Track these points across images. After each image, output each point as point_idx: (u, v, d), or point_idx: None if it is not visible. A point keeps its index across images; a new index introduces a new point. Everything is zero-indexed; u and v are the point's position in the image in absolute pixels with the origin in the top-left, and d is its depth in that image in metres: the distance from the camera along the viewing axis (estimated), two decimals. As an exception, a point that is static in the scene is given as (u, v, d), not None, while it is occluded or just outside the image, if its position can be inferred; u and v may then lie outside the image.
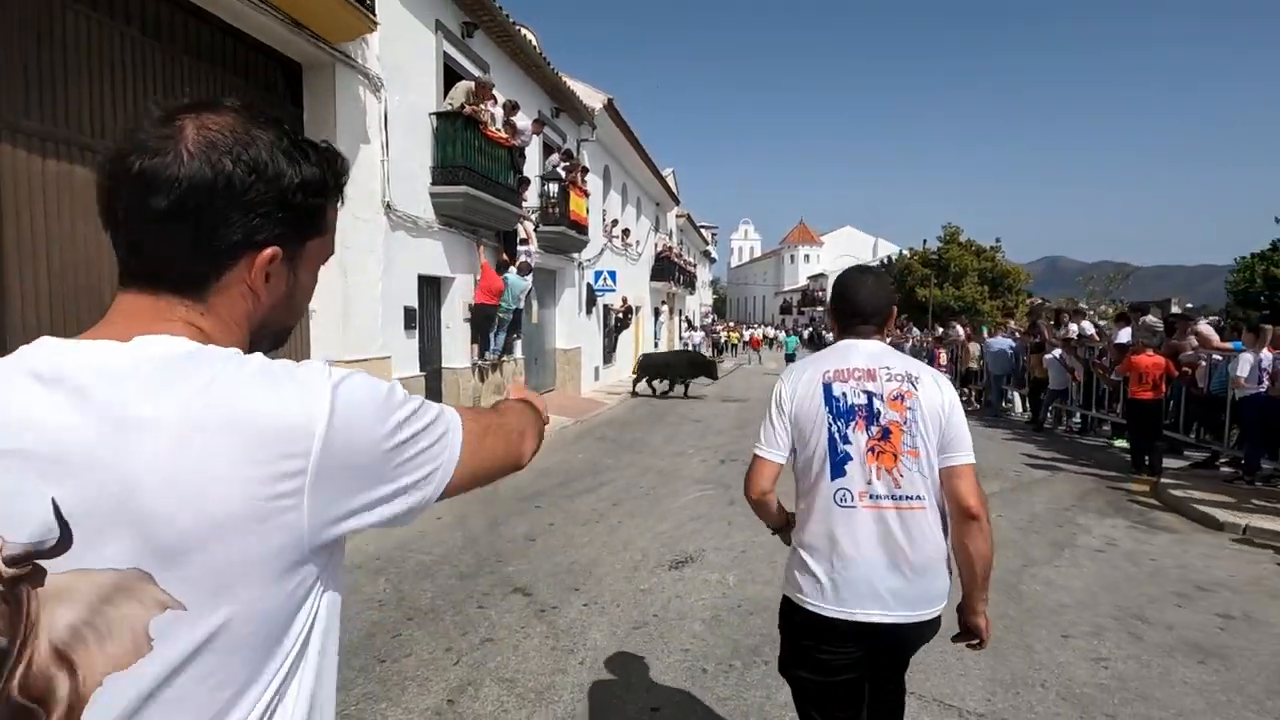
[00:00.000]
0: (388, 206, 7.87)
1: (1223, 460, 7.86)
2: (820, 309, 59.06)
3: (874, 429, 1.76)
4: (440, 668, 3.25)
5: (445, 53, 9.25)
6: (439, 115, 8.87)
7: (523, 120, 10.43)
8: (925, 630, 1.80)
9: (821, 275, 62.38)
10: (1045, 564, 4.83)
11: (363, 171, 7.41)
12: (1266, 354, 6.58)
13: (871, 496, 1.74)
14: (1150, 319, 8.89)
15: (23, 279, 4.40)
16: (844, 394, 1.79)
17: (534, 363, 13.35)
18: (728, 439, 9.89)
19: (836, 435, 1.77)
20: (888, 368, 1.80)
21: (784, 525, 1.98)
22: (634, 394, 15.76)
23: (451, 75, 9.50)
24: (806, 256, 68.69)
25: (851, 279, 1.96)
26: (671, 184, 27.62)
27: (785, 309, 67.14)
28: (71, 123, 4.69)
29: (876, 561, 1.73)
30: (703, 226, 45.93)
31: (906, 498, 1.74)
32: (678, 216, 31.51)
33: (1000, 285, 30.69)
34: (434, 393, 9.39)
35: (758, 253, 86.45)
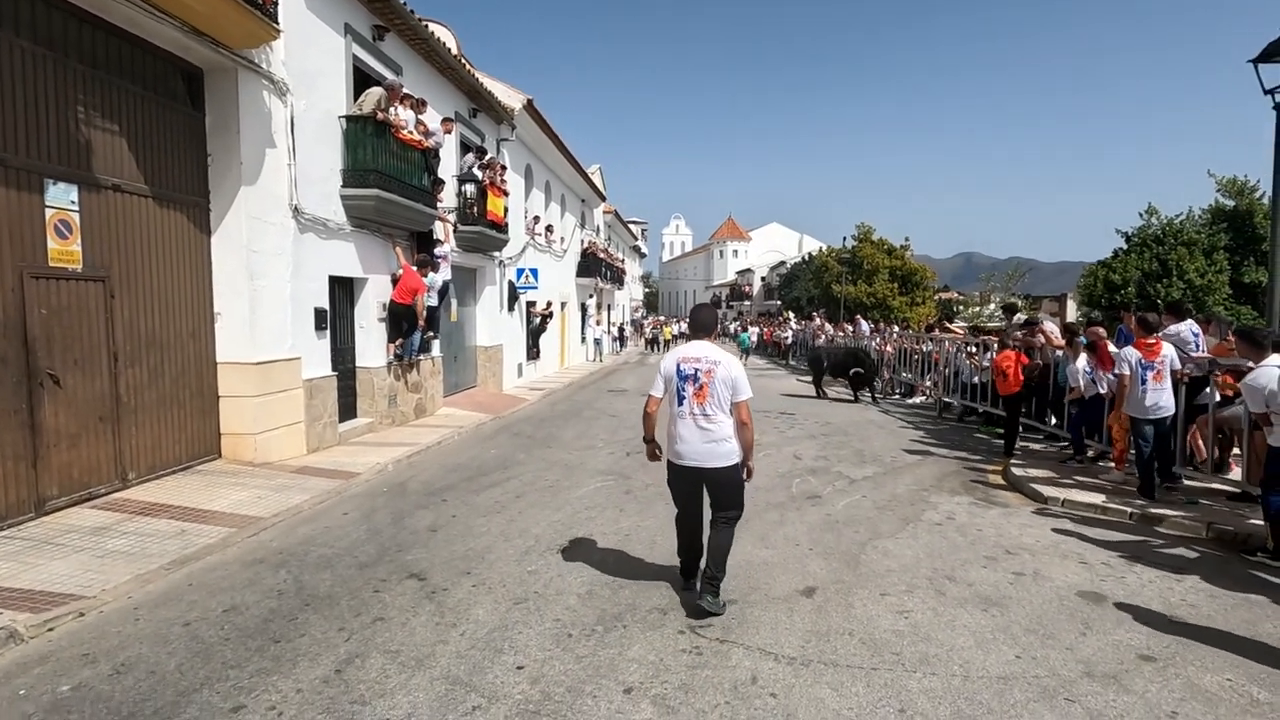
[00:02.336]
0: (295, 209, 7.98)
1: (1063, 443, 8.94)
2: (748, 303, 60.67)
3: (696, 384, 3.87)
4: (331, 645, 3.61)
5: (355, 56, 9.35)
6: (348, 119, 8.99)
7: (433, 120, 10.60)
8: (721, 471, 3.89)
9: (749, 270, 64.01)
10: (889, 537, 5.55)
11: (269, 176, 7.51)
12: (1082, 359, 7.63)
13: (692, 414, 3.88)
14: (1020, 316, 10.02)
15: (-92, 288, 4.43)
16: (684, 368, 3.92)
17: (454, 360, 13.54)
18: (637, 433, 10.32)
19: (679, 387, 3.92)
20: (707, 356, 3.92)
21: (650, 440, 4.17)
22: (823, 396, 15.05)
23: (363, 78, 9.61)
24: (735, 252, 70.27)
25: (697, 310, 4.20)
26: (598, 180, 27.97)
27: (715, 303, 68.56)
28: (-42, 133, 4.73)
29: (695, 440, 3.87)
30: (632, 222, 46.49)
31: (707, 414, 3.86)
32: (605, 213, 31.91)
33: (909, 282, 32.62)
34: (347, 391, 9.53)
35: (689, 248, 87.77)
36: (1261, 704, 3.12)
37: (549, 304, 19.18)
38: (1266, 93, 6.96)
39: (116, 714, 2.97)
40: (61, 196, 5.57)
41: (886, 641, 3.70)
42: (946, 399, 12.84)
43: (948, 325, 15.58)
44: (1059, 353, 8.92)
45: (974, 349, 11.78)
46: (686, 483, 4.01)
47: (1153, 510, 6.14)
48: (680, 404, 3.89)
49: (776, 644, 3.63)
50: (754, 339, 30.68)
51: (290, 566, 4.75)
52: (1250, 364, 5.44)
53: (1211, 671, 3.42)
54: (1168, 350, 6.50)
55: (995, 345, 10.63)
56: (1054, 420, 9.44)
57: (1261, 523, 5.33)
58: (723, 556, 3.99)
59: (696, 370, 3.86)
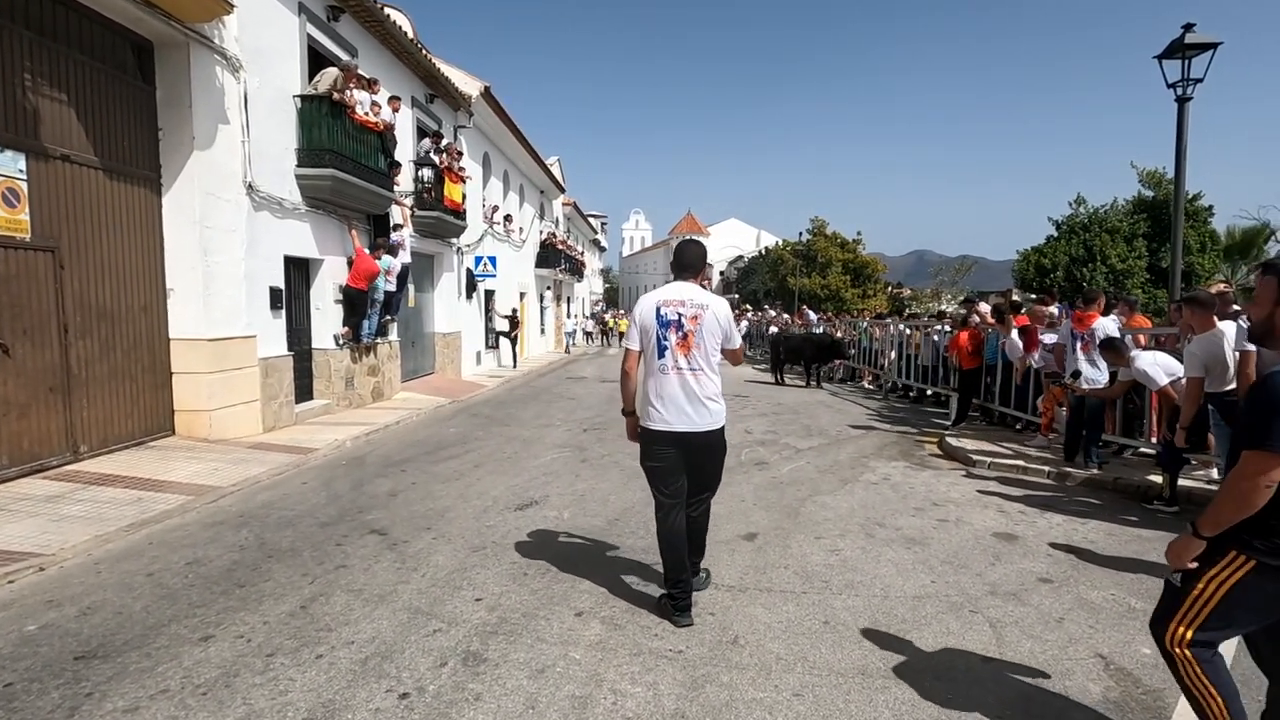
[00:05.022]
0: (250, 187, 7.96)
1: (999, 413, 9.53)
2: (707, 297, 61.32)
3: (680, 333, 3.27)
4: (296, 587, 3.77)
5: (310, 35, 9.34)
6: (303, 98, 8.98)
7: (380, 98, 10.40)
8: (709, 435, 3.32)
9: (708, 265, 64.70)
10: (828, 494, 5.92)
11: (222, 152, 7.50)
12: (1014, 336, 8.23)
13: (676, 368, 3.27)
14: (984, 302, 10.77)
15: None
16: (666, 313, 3.30)
17: (411, 346, 13.54)
18: (595, 413, 10.66)
19: (660, 336, 3.30)
20: (692, 299, 3.30)
21: (631, 413, 3.47)
22: (780, 381, 15.34)
23: (317, 58, 9.59)
24: (695, 247, 70.82)
25: (683, 246, 3.47)
26: (557, 172, 28.02)
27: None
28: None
29: (681, 399, 3.27)
30: (592, 215, 46.48)
31: (693, 369, 3.27)
32: (564, 205, 31.96)
33: (861, 275, 33.61)
34: (304, 373, 9.52)
35: (649, 242, 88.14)
36: (1136, 611, 3.56)
37: (514, 310, 19.10)
38: (1169, 86, 7.58)
39: (86, 645, 3.09)
40: (9, 164, 5.52)
41: (817, 572, 4.04)
42: (895, 379, 13.44)
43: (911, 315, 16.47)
44: (989, 330, 9.49)
45: (941, 328, 12.19)
46: (668, 455, 3.31)
47: (1068, 469, 6.67)
48: (661, 356, 3.27)
49: (718, 576, 3.94)
50: None
51: (251, 526, 4.86)
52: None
53: (1099, 589, 3.86)
54: (1100, 324, 6.98)
55: (949, 326, 11.24)
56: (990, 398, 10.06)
57: (1158, 478, 5.88)
58: (703, 540, 3.64)
59: (680, 315, 3.25)
